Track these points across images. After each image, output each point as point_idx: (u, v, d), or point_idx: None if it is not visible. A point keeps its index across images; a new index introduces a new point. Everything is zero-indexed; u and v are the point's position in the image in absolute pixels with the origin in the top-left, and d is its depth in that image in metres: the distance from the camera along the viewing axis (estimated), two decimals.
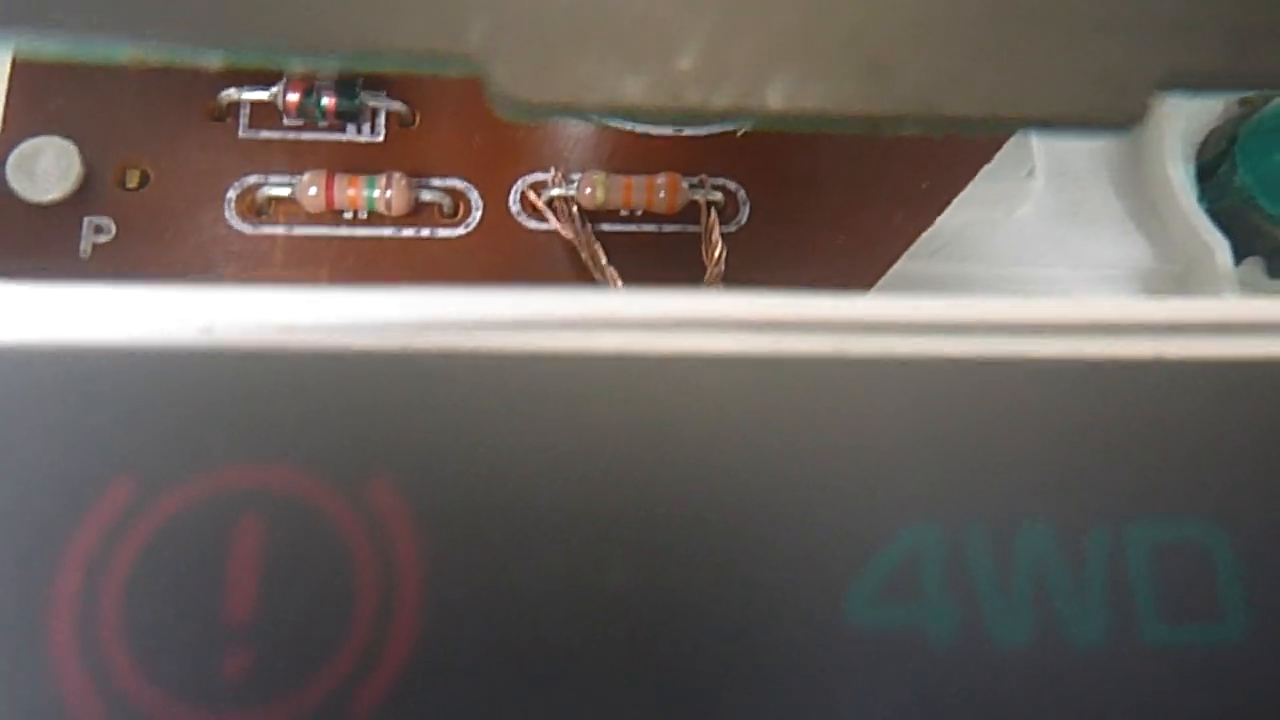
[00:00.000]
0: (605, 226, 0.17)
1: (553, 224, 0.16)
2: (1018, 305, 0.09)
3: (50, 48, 0.08)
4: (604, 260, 0.16)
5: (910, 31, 0.08)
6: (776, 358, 0.09)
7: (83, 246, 0.16)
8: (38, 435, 0.08)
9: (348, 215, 0.16)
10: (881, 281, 0.18)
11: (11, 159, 0.16)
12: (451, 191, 0.17)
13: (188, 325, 0.08)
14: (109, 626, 0.08)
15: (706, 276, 0.17)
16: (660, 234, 0.17)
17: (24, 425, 0.08)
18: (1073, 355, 0.09)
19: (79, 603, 0.08)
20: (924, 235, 0.18)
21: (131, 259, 0.15)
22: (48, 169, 0.16)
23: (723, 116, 0.08)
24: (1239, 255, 0.21)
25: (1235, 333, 0.09)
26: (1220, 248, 0.21)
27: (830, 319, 0.09)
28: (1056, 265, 0.21)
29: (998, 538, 0.09)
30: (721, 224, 0.17)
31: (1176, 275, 0.21)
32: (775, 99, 0.08)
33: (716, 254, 0.16)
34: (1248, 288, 0.22)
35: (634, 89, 0.08)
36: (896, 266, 0.18)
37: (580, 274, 0.16)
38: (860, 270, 0.18)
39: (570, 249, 0.16)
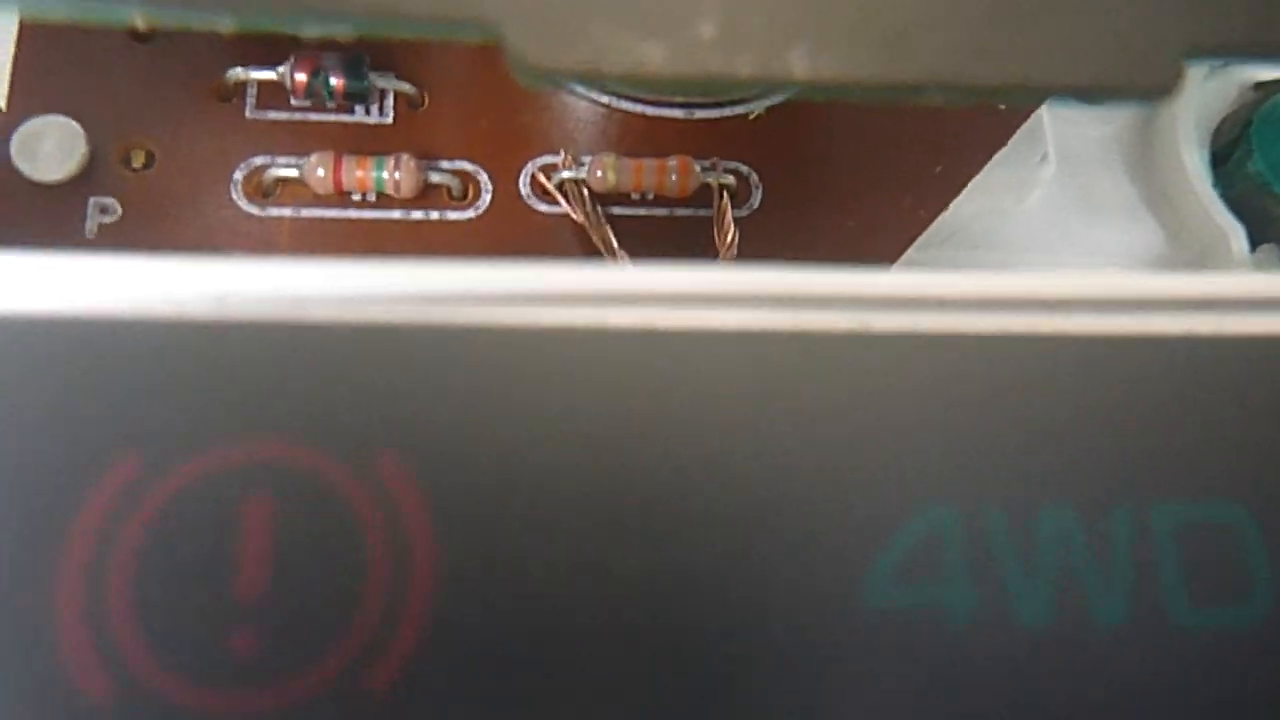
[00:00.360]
0: (616, 210, 0.17)
1: (563, 207, 0.16)
2: (1044, 280, 0.09)
3: (62, 11, 0.08)
4: (615, 244, 0.16)
5: None
6: (796, 333, 0.09)
7: (88, 226, 0.15)
8: (49, 406, 0.08)
9: (356, 197, 0.16)
10: (894, 268, 0.18)
11: (16, 138, 0.15)
12: (461, 174, 0.16)
13: (201, 296, 0.08)
14: (118, 604, 0.08)
15: (719, 260, 0.16)
16: (672, 217, 0.17)
17: (35, 396, 0.08)
18: (1099, 331, 0.09)
19: (88, 578, 0.08)
20: (936, 222, 0.18)
21: (137, 239, 0.15)
22: (52, 149, 0.15)
23: (745, 84, 0.08)
24: (1253, 242, 0.21)
25: (1266, 309, 0.09)
26: (1235, 233, 0.20)
27: (853, 294, 0.09)
28: (1069, 253, 0.21)
29: (1021, 516, 0.09)
30: (734, 208, 0.17)
31: (1190, 262, 0.21)
32: (799, 66, 0.08)
33: (729, 238, 0.16)
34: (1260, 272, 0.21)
35: (655, 55, 0.08)
36: (908, 253, 0.18)
37: (591, 257, 0.16)
38: (873, 255, 0.17)
39: (581, 232, 0.16)
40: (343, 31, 0.08)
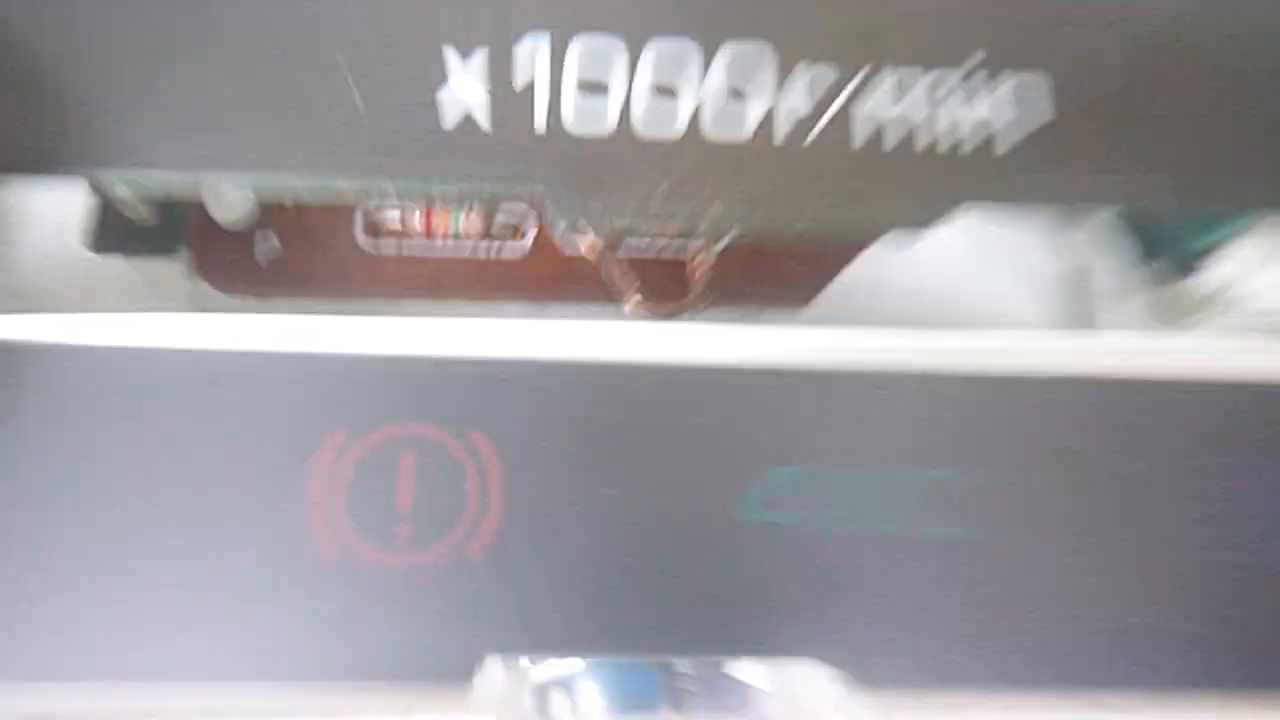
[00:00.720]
0: (627, 242, 0.23)
1: (586, 243, 0.23)
2: (859, 334, 0.15)
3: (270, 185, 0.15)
4: (620, 270, 0.22)
5: (787, 180, 0.14)
6: (721, 367, 0.15)
7: (260, 253, 0.22)
8: (303, 402, 0.15)
9: (441, 233, 0.23)
10: (838, 280, 0.24)
11: (209, 188, 0.22)
12: (515, 216, 0.23)
13: (379, 344, 0.15)
14: (339, 507, 0.15)
15: (695, 283, 0.23)
16: (660, 255, 0.23)
17: (298, 396, 0.15)
18: (876, 366, 0.15)
19: (322, 491, 0.15)
20: (870, 245, 0.24)
21: (292, 265, 0.22)
22: (234, 194, 0.22)
23: (677, 235, 0.14)
24: (1150, 258, 0.27)
25: (988, 354, 0.15)
26: (1123, 253, 0.26)
27: (756, 341, 0.15)
28: (987, 268, 0.27)
29: (848, 471, 0.15)
30: (712, 244, 0.23)
31: (1088, 276, 0.27)
32: (712, 219, 0.15)
33: (703, 268, 0.23)
34: (1154, 286, 0.27)
35: (627, 214, 0.14)
36: (848, 269, 0.24)
37: (605, 283, 0.23)
38: (823, 273, 0.23)
39: (598, 264, 0.23)
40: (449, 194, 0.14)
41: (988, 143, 0.15)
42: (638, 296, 0.22)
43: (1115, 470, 0.15)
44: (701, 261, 0.22)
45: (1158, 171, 0.16)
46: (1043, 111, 0.15)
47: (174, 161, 0.15)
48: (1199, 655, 0.15)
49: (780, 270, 0.23)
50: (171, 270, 0.23)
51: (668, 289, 0.22)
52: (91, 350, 0.15)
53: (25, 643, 0.14)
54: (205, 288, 0.23)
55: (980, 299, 0.28)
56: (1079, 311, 0.28)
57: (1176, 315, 0.27)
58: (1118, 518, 0.15)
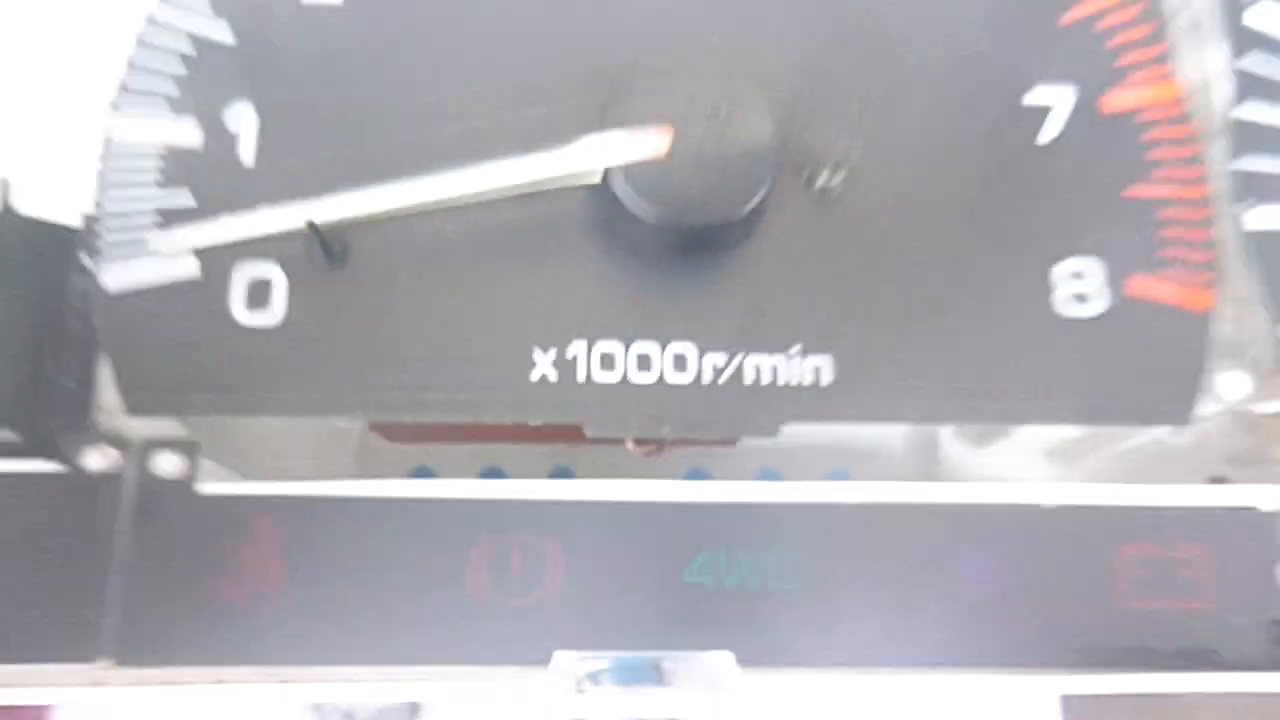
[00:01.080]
0: None
1: None
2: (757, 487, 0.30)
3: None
4: None
5: (708, 407, 0.29)
6: (670, 502, 0.30)
7: None
8: (464, 522, 0.29)
9: None
10: None
11: None
12: None
13: (502, 493, 0.29)
14: (482, 573, 0.29)
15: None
16: None
17: (461, 520, 0.29)
18: (753, 499, 0.30)
19: (472, 567, 0.29)
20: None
21: (429, 425, 0.37)
22: None
23: (652, 441, 0.29)
24: None
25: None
26: None
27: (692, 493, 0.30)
28: None
29: (742, 555, 0.29)
30: None
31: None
32: (668, 432, 0.29)
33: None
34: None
35: (627, 429, 0.29)
36: None
37: None
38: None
39: None
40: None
41: (814, 382, 0.30)
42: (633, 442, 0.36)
43: (881, 548, 0.30)
44: None
45: (926, 396, 0.30)
46: (833, 372, 0.30)
47: (380, 411, 0.30)
48: (937, 641, 0.29)
49: None
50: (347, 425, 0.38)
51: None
52: (356, 500, 0.29)
53: (328, 637, 0.28)
54: (370, 436, 0.37)
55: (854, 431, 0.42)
56: (925, 442, 0.43)
57: (982, 441, 0.41)
58: (886, 572, 0.30)
